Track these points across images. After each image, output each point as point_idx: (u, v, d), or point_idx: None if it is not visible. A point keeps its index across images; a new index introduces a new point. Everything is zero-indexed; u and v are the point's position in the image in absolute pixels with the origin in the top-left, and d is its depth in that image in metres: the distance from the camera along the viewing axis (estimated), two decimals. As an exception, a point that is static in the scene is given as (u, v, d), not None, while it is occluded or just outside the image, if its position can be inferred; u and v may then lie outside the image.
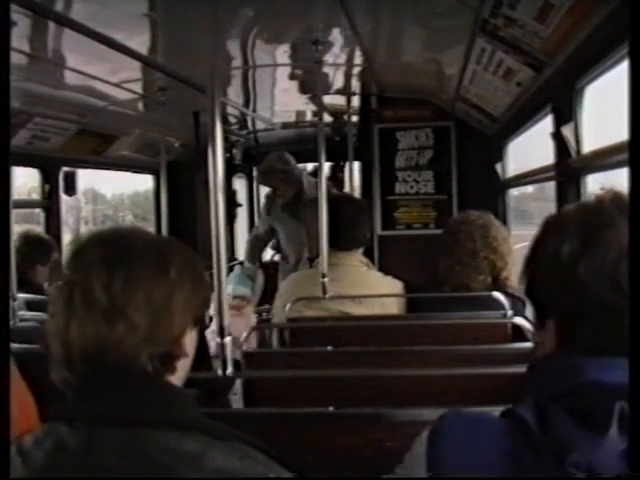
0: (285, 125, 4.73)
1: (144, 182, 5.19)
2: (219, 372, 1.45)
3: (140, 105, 3.57)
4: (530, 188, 5.12)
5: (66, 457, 0.85)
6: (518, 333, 2.00)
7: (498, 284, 2.26)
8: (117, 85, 2.96)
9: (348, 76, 3.34)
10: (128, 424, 0.86)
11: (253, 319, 2.91)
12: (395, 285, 2.47)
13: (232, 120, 4.43)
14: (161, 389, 0.92)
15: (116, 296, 0.89)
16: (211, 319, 1.52)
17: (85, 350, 0.89)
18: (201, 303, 1.00)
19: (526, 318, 1.97)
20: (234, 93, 3.63)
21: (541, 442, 0.79)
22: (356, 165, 4.68)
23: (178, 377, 0.97)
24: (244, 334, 2.05)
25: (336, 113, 4.31)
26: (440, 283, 2.33)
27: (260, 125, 4.69)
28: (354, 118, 4.36)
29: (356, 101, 4.02)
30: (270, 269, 4.37)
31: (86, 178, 4.42)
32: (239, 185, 5.38)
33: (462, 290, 2.25)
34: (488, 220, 2.32)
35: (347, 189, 4.90)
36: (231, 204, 4.75)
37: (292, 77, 3.24)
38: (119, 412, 0.87)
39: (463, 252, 2.26)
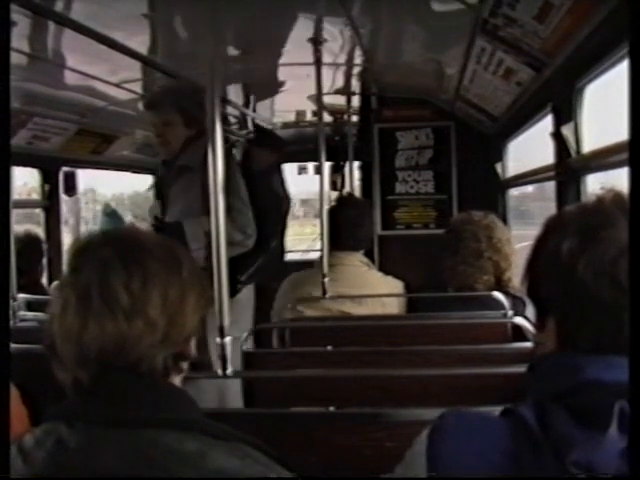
0: (285, 125, 4.73)
1: (144, 182, 5.19)
2: (219, 372, 1.45)
3: (140, 105, 3.57)
4: (530, 188, 5.12)
5: (66, 457, 0.85)
6: (518, 333, 2.00)
7: (501, 284, 2.27)
8: (117, 85, 2.96)
9: (348, 76, 3.34)
10: (128, 425, 0.86)
11: None
12: (395, 285, 2.48)
13: (232, 120, 4.43)
14: (163, 390, 0.92)
15: (136, 295, 0.89)
16: None
17: (102, 349, 0.89)
18: (206, 304, 1.00)
19: (526, 318, 1.98)
20: (234, 93, 3.63)
21: (541, 441, 0.79)
22: (356, 165, 4.68)
23: (179, 377, 0.97)
24: (244, 334, 2.04)
25: (336, 113, 4.30)
26: (443, 283, 2.34)
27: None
28: (354, 118, 4.36)
29: (356, 101, 4.02)
30: None
31: (86, 178, 4.41)
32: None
33: (466, 290, 2.26)
34: (492, 221, 2.33)
35: (347, 189, 4.90)
36: None
37: (292, 77, 3.24)
38: (119, 413, 0.87)
39: (468, 252, 2.27)
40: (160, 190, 2.78)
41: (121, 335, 0.88)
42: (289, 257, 6.32)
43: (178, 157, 2.65)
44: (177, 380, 0.96)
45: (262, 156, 3.89)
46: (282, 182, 4.14)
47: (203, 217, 2.45)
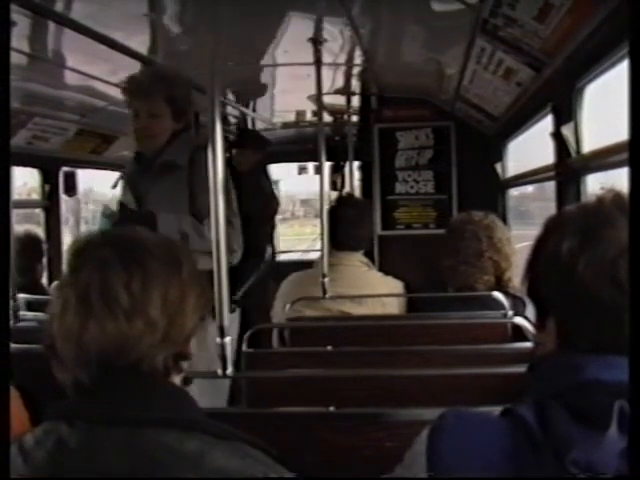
0: (285, 125, 4.73)
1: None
2: (219, 372, 1.45)
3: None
4: (530, 188, 5.11)
5: (67, 456, 0.85)
6: (518, 333, 2.00)
7: (501, 284, 2.27)
8: (117, 85, 2.96)
9: (348, 76, 3.34)
10: (129, 424, 0.86)
11: None
12: (395, 285, 2.48)
13: (232, 120, 4.43)
14: (164, 390, 0.92)
15: (136, 295, 0.89)
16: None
17: (103, 350, 0.88)
18: (206, 303, 1.00)
19: (526, 318, 1.98)
20: (234, 93, 3.63)
21: (541, 441, 0.79)
22: (356, 165, 4.68)
23: (179, 377, 0.97)
24: (245, 334, 2.04)
25: (336, 113, 4.30)
26: (443, 283, 2.34)
27: (260, 125, 4.69)
28: (354, 118, 4.36)
29: (356, 101, 4.02)
30: None
31: (86, 178, 4.40)
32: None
33: (466, 290, 2.26)
34: (492, 221, 2.33)
35: (347, 189, 4.90)
36: None
37: (292, 77, 3.24)
38: (120, 412, 0.87)
39: (468, 252, 2.27)
40: (134, 188, 2.44)
41: (121, 335, 0.88)
42: (286, 257, 6.33)
43: (162, 153, 2.36)
44: (177, 380, 0.96)
45: (246, 156, 3.90)
46: (269, 181, 4.14)
47: (182, 215, 2.25)
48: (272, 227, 4.13)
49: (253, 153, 3.93)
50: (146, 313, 0.89)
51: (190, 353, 0.97)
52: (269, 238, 4.07)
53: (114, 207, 2.36)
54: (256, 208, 3.51)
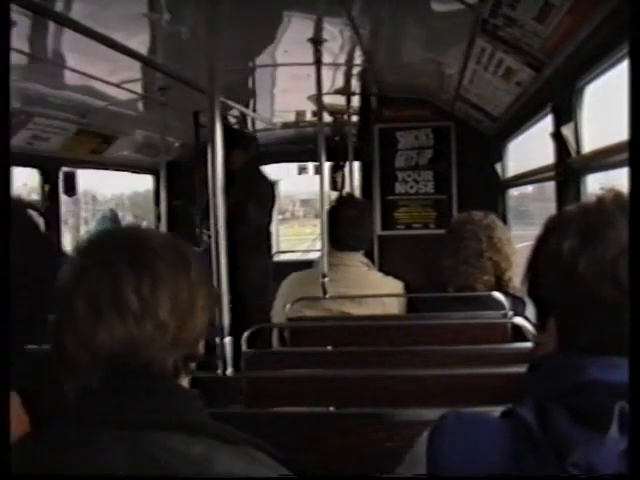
0: (285, 125, 4.73)
1: (144, 182, 5.18)
2: (219, 372, 1.45)
3: (140, 105, 3.57)
4: (530, 188, 5.12)
5: (70, 457, 0.85)
6: (518, 333, 2.00)
7: (501, 284, 2.27)
8: (117, 85, 2.96)
9: (348, 76, 3.34)
10: (135, 426, 0.85)
11: None
12: (395, 285, 2.48)
13: (232, 120, 4.43)
14: (174, 392, 0.91)
15: (146, 299, 0.88)
16: None
17: (113, 353, 0.87)
18: (214, 304, 0.99)
19: (526, 318, 1.98)
20: (234, 93, 3.63)
21: (541, 442, 0.79)
22: (356, 165, 4.69)
23: (188, 378, 0.96)
24: (245, 334, 2.04)
25: (336, 113, 4.30)
26: (443, 283, 2.34)
27: (260, 125, 4.69)
28: (354, 118, 4.37)
29: (356, 101, 4.02)
30: None
31: (86, 178, 4.41)
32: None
33: (466, 290, 2.26)
34: (492, 221, 2.33)
35: (347, 189, 4.90)
36: None
37: (292, 77, 3.24)
38: (126, 414, 0.87)
39: (468, 252, 2.27)
40: None
41: (132, 339, 0.87)
42: (286, 257, 6.33)
43: None
44: (185, 382, 0.95)
45: (235, 156, 3.90)
46: (265, 179, 4.14)
47: None
48: (269, 224, 4.13)
49: (242, 152, 3.94)
50: (156, 316, 0.88)
51: (200, 354, 0.96)
52: (266, 235, 4.07)
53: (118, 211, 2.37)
54: (251, 205, 3.53)
